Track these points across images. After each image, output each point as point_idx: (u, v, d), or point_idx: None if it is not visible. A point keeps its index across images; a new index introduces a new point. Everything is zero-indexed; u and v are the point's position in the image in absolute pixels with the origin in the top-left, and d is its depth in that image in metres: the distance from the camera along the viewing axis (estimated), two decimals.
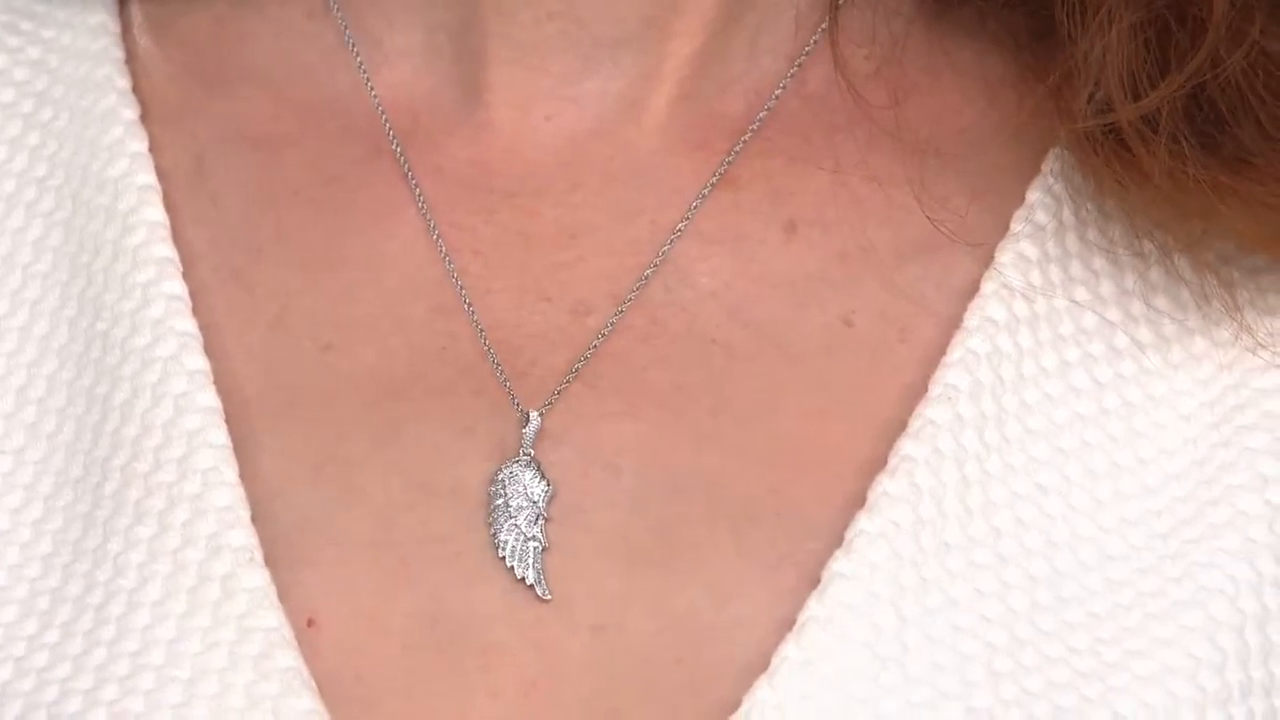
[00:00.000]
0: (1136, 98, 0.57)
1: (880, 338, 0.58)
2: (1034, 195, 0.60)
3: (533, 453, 0.56)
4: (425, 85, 0.64)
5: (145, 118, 0.63)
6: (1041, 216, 0.60)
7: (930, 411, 0.56)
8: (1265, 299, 0.59)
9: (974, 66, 0.64)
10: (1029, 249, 0.59)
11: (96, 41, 0.65)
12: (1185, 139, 0.57)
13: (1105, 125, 0.58)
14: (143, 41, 0.66)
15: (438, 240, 0.60)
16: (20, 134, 0.63)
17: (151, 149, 0.63)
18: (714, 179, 0.61)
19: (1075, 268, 0.60)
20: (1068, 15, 0.59)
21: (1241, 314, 0.59)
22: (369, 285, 0.60)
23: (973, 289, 0.59)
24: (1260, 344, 0.58)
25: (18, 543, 0.56)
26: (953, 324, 0.58)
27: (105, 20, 0.66)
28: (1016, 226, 0.60)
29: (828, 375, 0.58)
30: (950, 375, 0.57)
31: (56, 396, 0.58)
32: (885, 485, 0.55)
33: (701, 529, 0.55)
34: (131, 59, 0.65)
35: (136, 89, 0.64)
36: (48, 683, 0.52)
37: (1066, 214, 0.60)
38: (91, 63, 0.65)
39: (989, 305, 0.58)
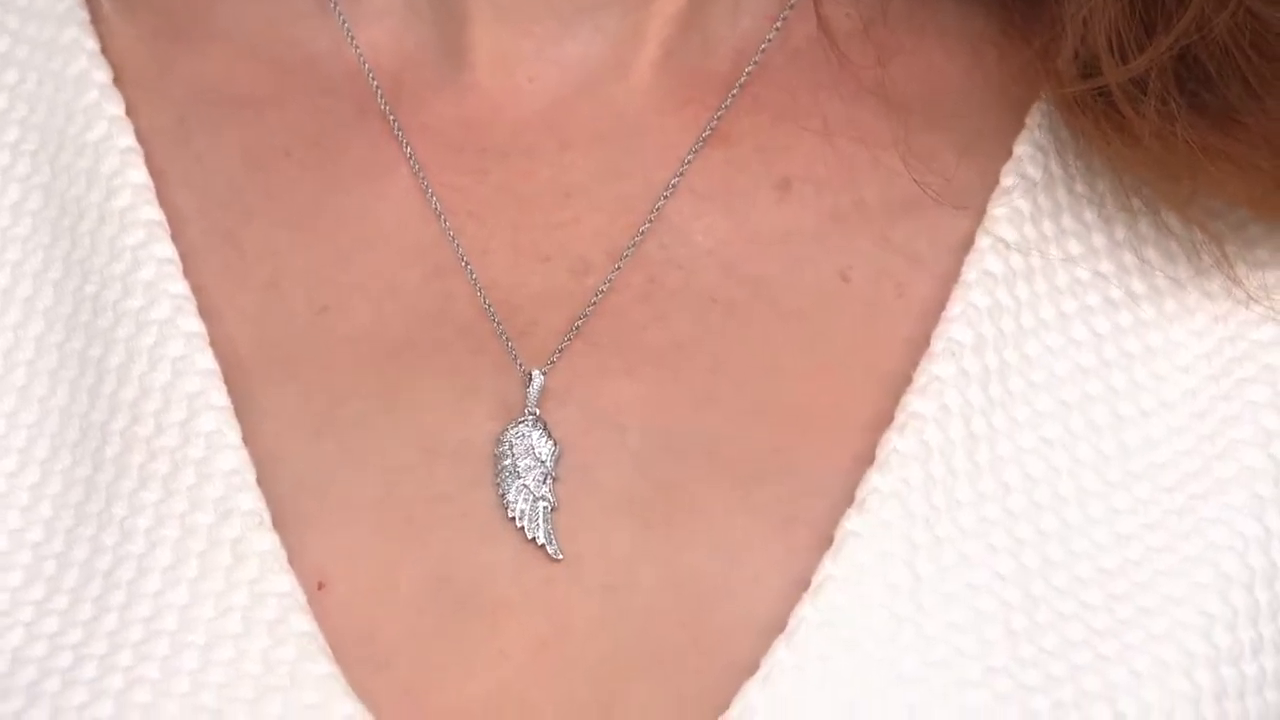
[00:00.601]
0: (1124, 59, 0.58)
1: (877, 293, 0.59)
2: (1021, 149, 0.61)
3: (538, 411, 0.55)
4: (405, 46, 0.63)
5: (117, 80, 0.63)
6: (1030, 170, 0.60)
7: (935, 367, 0.56)
8: (1254, 253, 0.60)
9: (957, 23, 0.65)
10: (1020, 202, 0.60)
11: (59, 2, 0.64)
12: (1173, 100, 0.58)
13: (1094, 87, 0.58)
14: (107, 2, 0.65)
15: (433, 200, 0.60)
16: None
17: (128, 112, 0.62)
18: (704, 136, 0.61)
19: (1066, 220, 0.60)
20: None
21: (1231, 267, 0.59)
22: (362, 247, 0.59)
23: (965, 244, 0.59)
24: (1252, 297, 0.59)
25: (16, 506, 0.55)
26: (948, 279, 0.59)
27: None
28: (1006, 180, 0.60)
29: (827, 332, 0.58)
30: (953, 330, 0.57)
31: (46, 359, 0.58)
32: (895, 442, 0.55)
33: (709, 488, 0.55)
34: (96, 20, 0.64)
35: (105, 50, 0.63)
36: (60, 648, 0.52)
37: (1054, 167, 0.61)
38: (56, 24, 0.63)
39: (986, 259, 0.58)
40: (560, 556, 0.53)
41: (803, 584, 0.53)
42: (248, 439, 0.55)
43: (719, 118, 0.61)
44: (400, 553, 0.54)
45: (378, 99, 0.62)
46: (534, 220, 0.60)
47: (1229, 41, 0.58)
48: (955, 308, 0.57)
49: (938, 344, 0.57)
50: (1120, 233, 0.60)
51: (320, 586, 0.53)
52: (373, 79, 0.62)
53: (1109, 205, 0.60)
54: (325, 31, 0.64)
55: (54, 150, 0.61)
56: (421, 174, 0.60)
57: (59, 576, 0.53)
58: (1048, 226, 0.60)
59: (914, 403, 0.55)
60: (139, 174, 0.60)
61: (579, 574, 0.53)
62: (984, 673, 0.52)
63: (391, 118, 0.61)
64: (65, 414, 0.56)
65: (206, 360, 0.56)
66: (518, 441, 0.55)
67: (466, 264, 0.58)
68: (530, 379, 0.56)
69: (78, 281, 0.58)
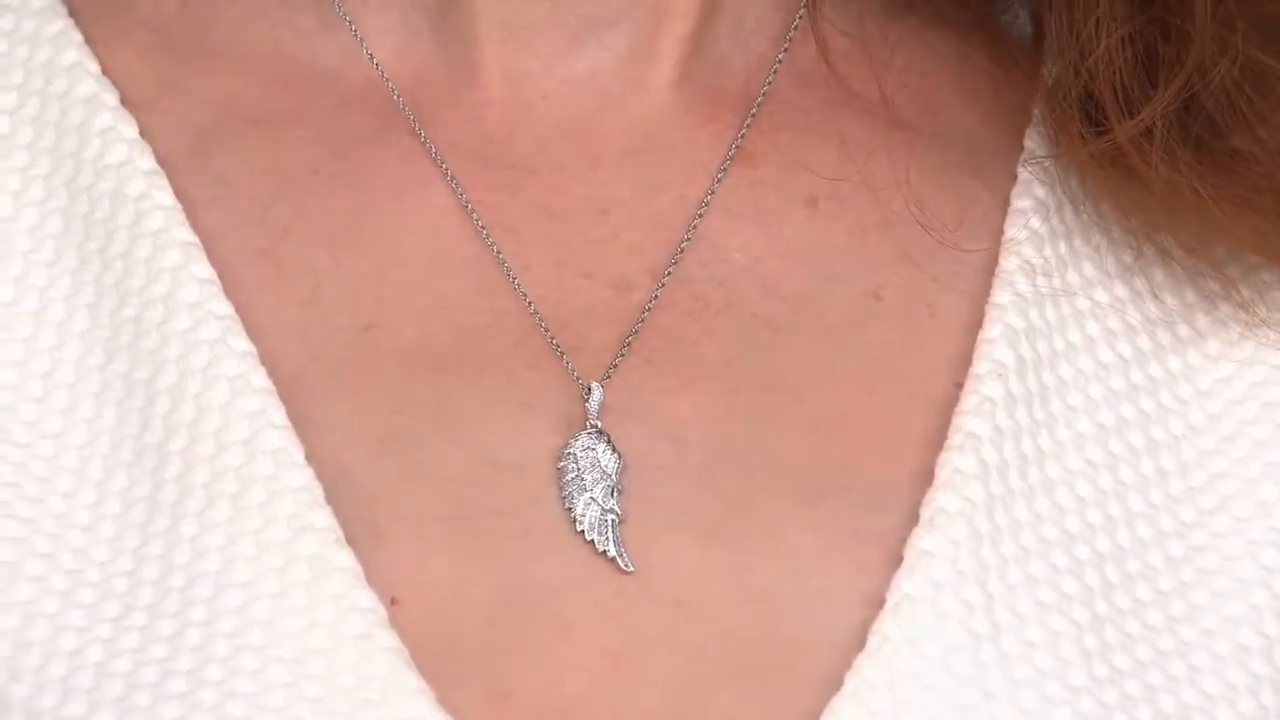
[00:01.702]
0: (1129, 108, 0.60)
1: (909, 312, 0.60)
2: (1026, 171, 0.63)
3: (600, 424, 0.56)
4: (413, 63, 0.63)
5: (123, 101, 0.62)
6: (1040, 192, 0.62)
7: (984, 388, 0.57)
8: (1271, 295, 0.62)
9: (950, 45, 0.67)
10: (1037, 223, 0.61)
11: (50, 24, 0.63)
12: (1178, 145, 0.60)
13: (1100, 133, 0.60)
14: (99, 24, 0.64)
15: (473, 215, 0.60)
16: None
17: (142, 133, 0.61)
18: (730, 153, 0.62)
19: (1078, 243, 0.62)
20: (1055, 25, 0.62)
21: (1238, 291, 0.62)
22: (402, 262, 0.59)
23: (988, 264, 0.61)
24: (1264, 321, 0.61)
25: (78, 526, 0.54)
26: (975, 299, 0.60)
27: (52, 1, 0.63)
28: (1020, 202, 0.62)
29: (866, 349, 0.59)
30: (996, 351, 0.58)
31: (88, 382, 0.56)
32: (955, 462, 0.56)
33: (773, 502, 0.55)
34: (91, 42, 0.63)
35: (105, 72, 0.62)
36: (145, 664, 0.51)
37: (1060, 191, 0.63)
38: (51, 47, 0.62)
39: (1016, 280, 0.60)
40: (631, 569, 0.54)
41: (874, 601, 0.54)
42: (309, 456, 0.54)
43: (743, 136, 0.63)
44: (470, 567, 0.53)
45: (404, 113, 0.62)
46: (572, 237, 0.60)
47: (1232, 89, 0.60)
48: (994, 329, 0.59)
49: (982, 365, 0.58)
50: (1129, 257, 0.62)
51: (394, 602, 0.53)
52: (396, 93, 0.62)
53: (1115, 230, 0.62)
54: (334, 48, 0.63)
55: (70, 174, 0.60)
56: (459, 188, 0.60)
57: (132, 594, 0.52)
58: (1063, 249, 0.62)
59: (968, 423, 0.57)
60: (166, 196, 0.59)
61: (649, 587, 0.54)
62: (1067, 691, 0.53)
63: (420, 132, 0.61)
64: (115, 435, 0.55)
65: (261, 379, 0.55)
66: (582, 455, 0.55)
67: (514, 279, 0.59)
68: (590, 393, 0.56)
69: (114, 304, 0.57)
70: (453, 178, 0.60)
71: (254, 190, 0.60)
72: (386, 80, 0.62)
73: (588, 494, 0.55)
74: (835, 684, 0.52)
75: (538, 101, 0.63)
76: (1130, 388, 0.60)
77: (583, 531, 0.54)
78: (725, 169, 0.62)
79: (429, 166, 0.61)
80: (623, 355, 0.58)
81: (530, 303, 0.58)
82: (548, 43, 0.62)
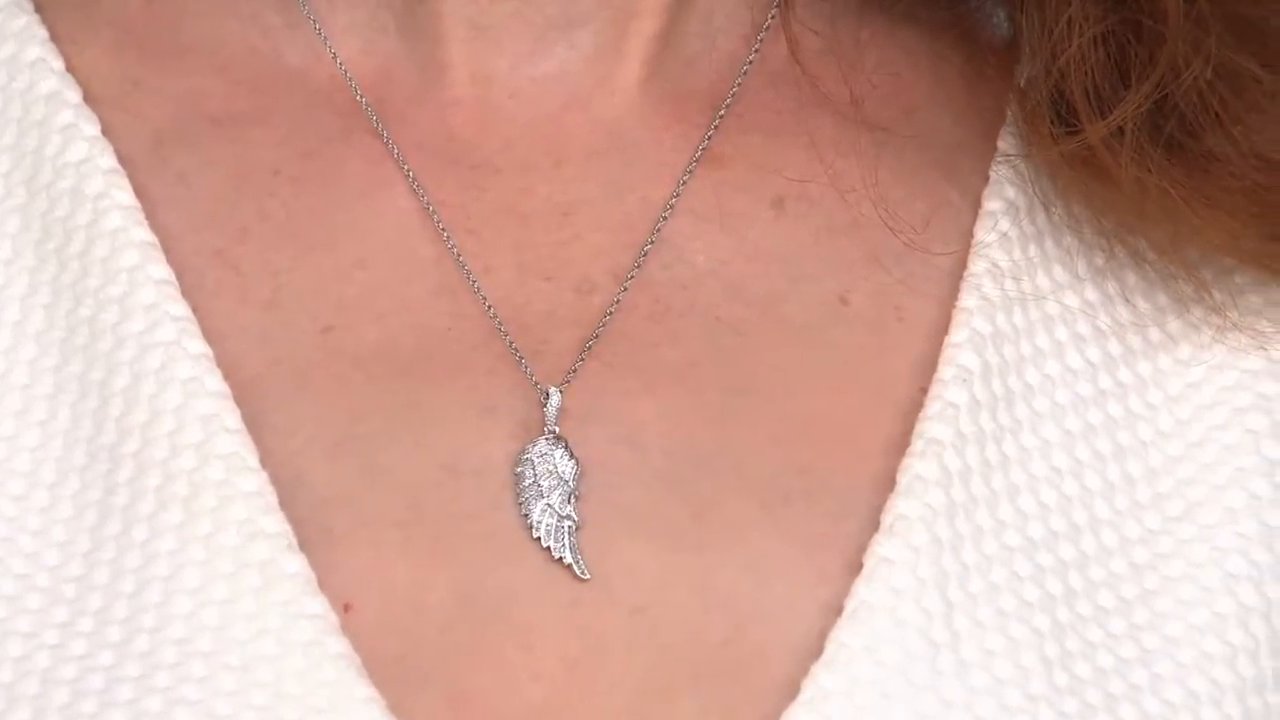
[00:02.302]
0: (1100, 109, 0.59)
1: (878, 315, 0.59)
2: (999, 171, 0.62)
3: (558, 430, 0.55)
4: (378, 62, 0.63)
5: (86, 98, 0.61)
6: (1011, 193, 0.62)
7: (948, 394, 0.57)
8: (1244, 298, 0.61)
9: (921, 44, 0.66)
10: (1006, 225, 0.61)
11: (14, 20, 0.62)
12: (1148, 146, 0.59)
13: (1072, 133, 0.60)
14: (64, 20, 0.63)
15: (434, 217, 0.59)
16: None
17: (104, 131, 0.60)
18: (697, 155, 0.62)
19: (1049, 245, 0.61)
20: (1027, 24, 0.61)
21: (1210, 295, 0.61)
22: (363, 265, 0.59)
23: (957, 267, 0.60)
24: (1235, 325, 0.61)
25: (28, 530, 0.53)
26: (944, 302, 0.60)
27: None
28: (991, 204, 0.61)
29: (832, 353, 0.59)
30: (961, 356, 0.58)
31: (43, 384, 0.56)
32: (916, 468, 0.55)
33: (735, 508, 0.55)
34: (56, 39, 0.63)
35: (70, 69, 0.62)
36: (91, 670, 0.50)
37: (1032, 192, 0.62)
38: (15, 42, 0.62)
39: (983, 284, 0.59)
40: (587, 576, 0.53)
41: (834, 608, 0.53)
42: (265, 460, 0.54)
43: (709, 137, 0.62)
44: (426, 573, 0.53)
45: (366, 113, 0.61)
46: (535, 238, 0.60)
47: (1205, 90, 0.59)
48: (960, 333, 0.58)
49: (947, 370, 0.57)
50: (1100, 259, 0.62)
51: (347, 608, 0.52)
52: (359, 93, 0.62)
53: (1087, 232, 0.62)
54: (299, 46, 0.63)
55: (30, 171, 0.59)
56: (420, 190, 0.60)
57: (81, 599, 0.52)
58: (1033, 251, 0.61)
59: (931, 428, 0.56)
60: (126, 195, 0.59)
61: (608, 593, 0.53)
62: (1026, 700, 0.53)
63: (383, 133, 0.61)
64: (69, 438, 0.55)
65: (216, 382, 0.55)
66: (539, 460, 0.55)
67: (474, 282, 0.58)
68: (547, 397, 0.56)
69: (70, 305, 0.57)
70: (415, 179, 0.60)
71: (215, 190, 0.60)
72: (349, 79, 0.62)
73: (544, 500, 0.54)
74: (793, 691, 0.52)
75: (504, 101, 0.62)
76: (1098, 393, 0.59)
77: (539, 538, 0.54)
78: (691, 170, 0.61)
79: (392, 167, 0.61)
80: (583, 359, 0.57)
81: (490, 306, 0.58)
82: (515, 42, 0.62)
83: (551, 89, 0.62)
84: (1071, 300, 0.61)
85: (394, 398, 0.56)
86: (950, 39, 0.66)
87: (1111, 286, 0.61)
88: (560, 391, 0.56)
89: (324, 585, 0.52)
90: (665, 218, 0.60)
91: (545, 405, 0.56)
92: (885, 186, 0.61)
